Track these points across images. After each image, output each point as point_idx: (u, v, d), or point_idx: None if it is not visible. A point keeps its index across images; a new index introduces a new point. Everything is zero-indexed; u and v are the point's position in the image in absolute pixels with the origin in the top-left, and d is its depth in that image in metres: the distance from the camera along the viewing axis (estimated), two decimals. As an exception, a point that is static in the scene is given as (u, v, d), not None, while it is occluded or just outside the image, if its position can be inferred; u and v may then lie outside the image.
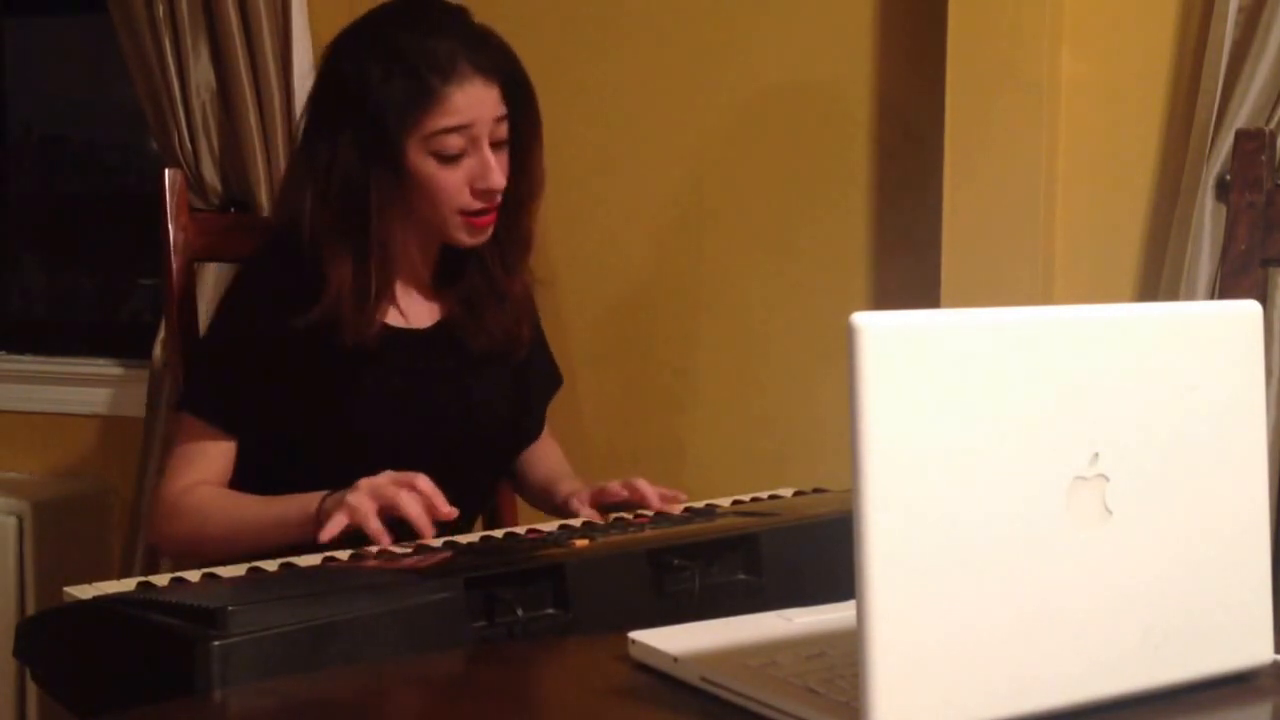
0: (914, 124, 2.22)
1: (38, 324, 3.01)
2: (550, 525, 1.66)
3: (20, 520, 2.61)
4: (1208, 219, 1.99)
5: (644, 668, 1.09)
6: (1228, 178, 1.90)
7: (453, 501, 1.61)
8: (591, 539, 1.44)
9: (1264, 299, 1.89)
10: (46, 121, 3.05)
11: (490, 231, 1.84)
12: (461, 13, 1.84)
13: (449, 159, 1.77)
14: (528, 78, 1.85)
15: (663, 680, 1.07)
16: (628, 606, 1.33)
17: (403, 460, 1.78)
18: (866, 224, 2.28)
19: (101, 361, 2.77)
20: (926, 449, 0.89)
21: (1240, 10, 1.99)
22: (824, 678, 0.99)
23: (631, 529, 1.54)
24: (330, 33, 1.92)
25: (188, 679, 1.10)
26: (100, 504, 2.73)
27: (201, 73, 2.41)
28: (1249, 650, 1.04)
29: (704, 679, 1.03)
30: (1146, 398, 0.98)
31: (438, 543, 1.54)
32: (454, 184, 1.78)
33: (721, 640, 1.09)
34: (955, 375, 0.91)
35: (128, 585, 1.36)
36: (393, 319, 1.86)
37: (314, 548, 1.55)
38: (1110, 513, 0.97)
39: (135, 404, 2.58)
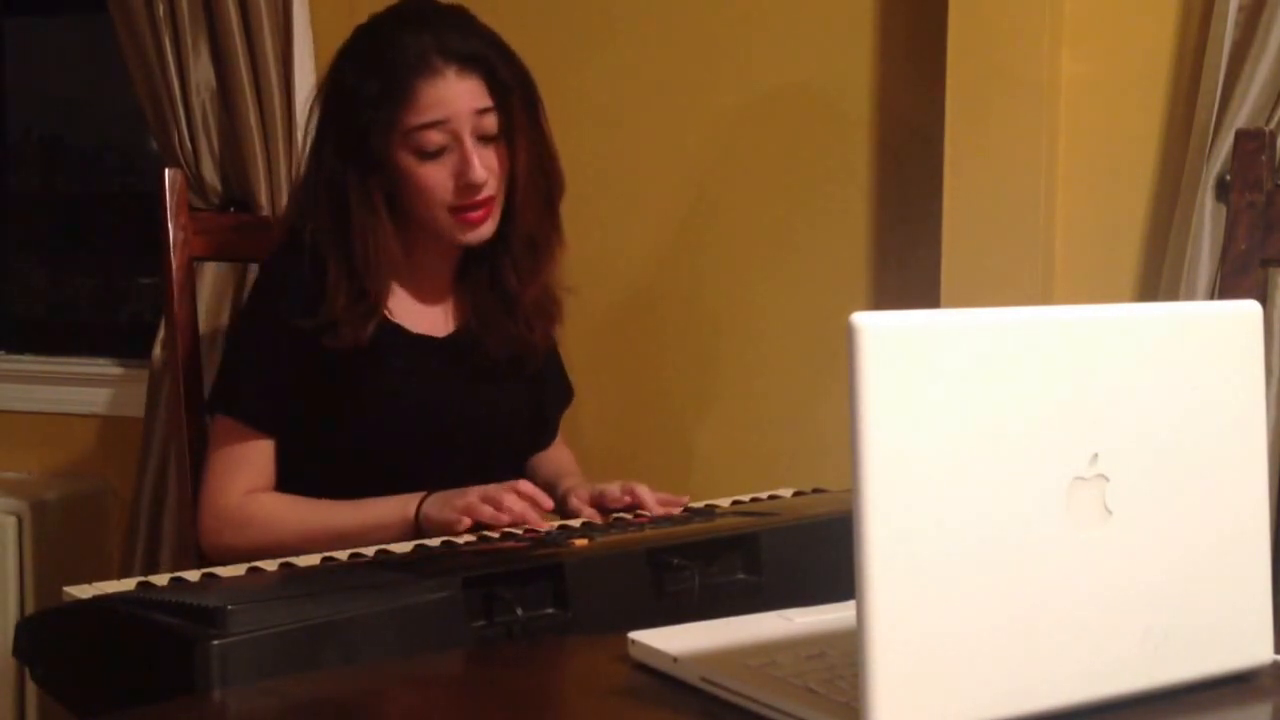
0: (914, 124, 2.22)
1: (38, 324, 3.01)
2: (550, 525, 1.66)
3: (20, 520, 2.61)
4: (1208, 219, 1.99)
5: (644, 668, 1.09)
6: (1228, 178, 1.90)
7: None
8: (591, 539, 1.45)
9: (1264, 299, 1.89)
10: (46, 122, 3.05)
11: (488, 229, 1.82)
12: (448, 10, 1.83)
13: (430, 155, 1.76)
14: (521, 70, 1.82)
15: (663, 680, 1.07)
16: (627, 606, 1.33)
17: (419, 464, 1.79)
18: (866, 224, 2.28)
19: (101, 361, 2.77)
20: (926, 449, 0.89)
21: (1240, 10, 1.99)
22: (824, 678, 0.99)
23: (631, 529, 1.54)
24: (330, 32, 1.92)
25: (187, 679, 1.10)
26: (100, 504, 2.73)
27: (201, 72, 2.41)
28: (1249, 650, 1.04)
29: (704, 679, 1.03)
30: (1146, 398, 0.98)
31: (436, 542, 1.54)
32: (438, 180, 1.77)
33: (721, 640, 1.09)
34: (955, 375, 0.91)
35: (127, 585, 1.36)
36: (413, 324, 1.86)
37: None
38: (1110, 513, 0.97)
39: (135, 404, 2.58)
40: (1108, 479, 0.96)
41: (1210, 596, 1.02)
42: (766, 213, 2.34)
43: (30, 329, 2.94)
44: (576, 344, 2.32)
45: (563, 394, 2.08)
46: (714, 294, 2.37)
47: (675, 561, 1.37)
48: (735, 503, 1.73)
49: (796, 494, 1.81)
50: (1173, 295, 2.01)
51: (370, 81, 1.76)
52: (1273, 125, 1.96)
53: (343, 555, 1.49)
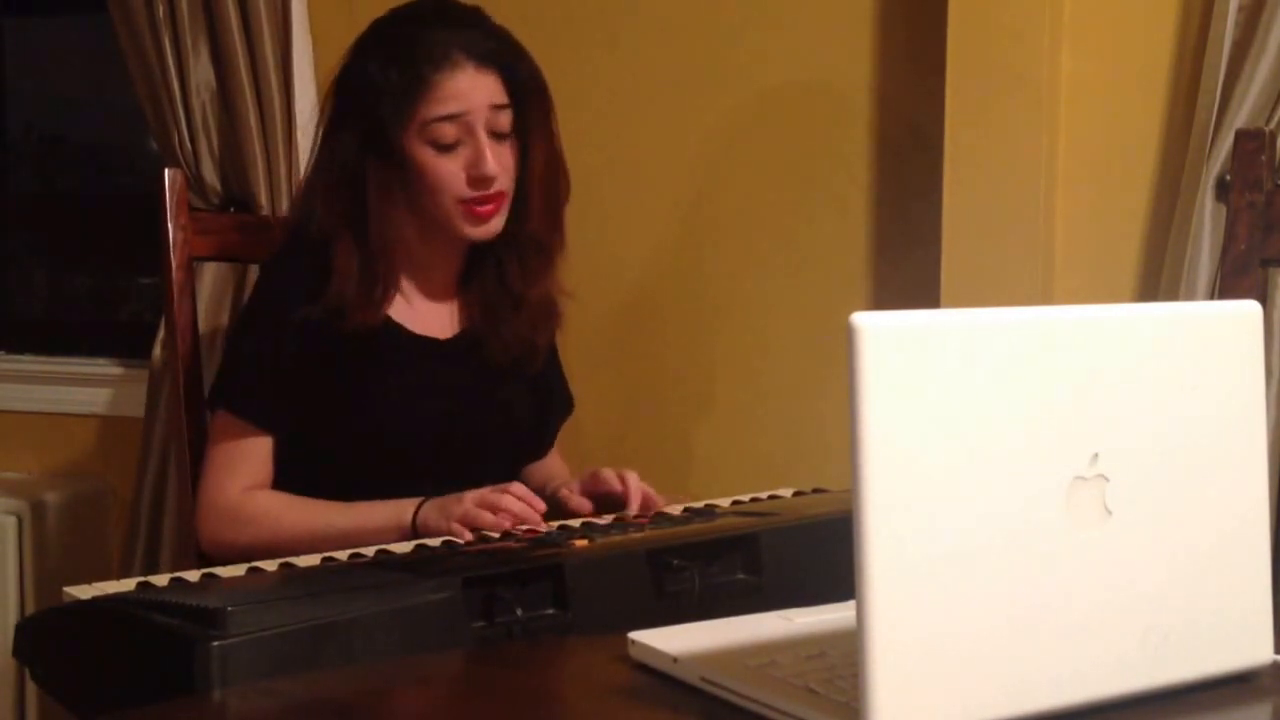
0: (914, 124, 2.22)
1: (38, 324, 3.01)
2: (549, 525, 1.66)
3: (20, 520, 2.61)
4: (1208, 219, 1.99)
5: (644, 668, 1.09)
6: (1228, 178, 1.90)
7: None
8: (591, 539, 1.45)
9: (1264, 299, 1.89)
10: (46, 121, 3.05)
11: (496, 224, 1.82)
12: (466, 8, 1.85)
13: (445, 148, 1.78)
14: (536, 72, 1.85)
15: (663, 680, 1.07)
16: (627, 606, 1.33)
17: (418, 466, 1.79)
18: (866, 224, 2.28)
19: (101, 361, 2.77)
20: (926, 449, 0.89)
21: (1240, 10, 1.99)
22: (824, 678, 0.99)
23: (631, 529, 1.54)
24: (330, 32, 1.93)
25: (187, 679, 1.10)
26: (100, 504, 2.73)
27: (201, 72, 2.41)
28: (1249, 650, 1.04)
29: (704, 679, 1.03)
30: (1146, 398, 0.98)
31: (436, 542, 1.54)
32: (450, 173, 1.78)
33: (721, 640, 1.09)
34: (955, 375, 0.91)
35: (127, 585, 1.36)
36: (416, 326, 1.86)
37: None
38: (1110, 513, 0.97)
39: (135, 404, 2.58)
40: (1108, 479, 0.96)
41: (1210, 596, 1.02)
42: (766, 212, 2.34)
43: (30, 329, 2.94)
44: (577, 344, 2.32)
45: (563, 405, 2.08)
46: (714, 294, 2.37)
47: (675, 562, 1.37)
48: (735, 503, 1.73)
49: (796, 494, 1.81)
50: (1173, 295, 2.01)
51: (390, 72, 1.78)
52: (1273, 125, 1.96)
53: (343, 555, 1.49)
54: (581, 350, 2.36)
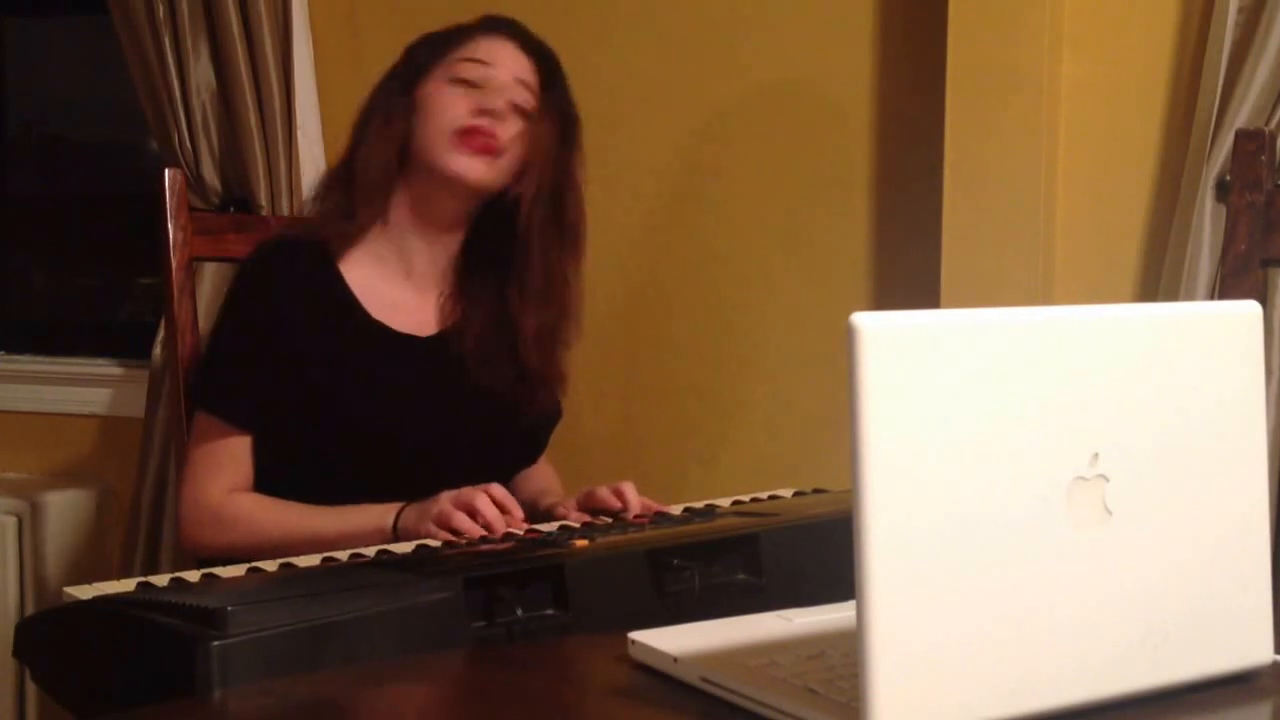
0: (914, 124, 2.22)
1: (38, 324, 3.01)
2: (550, 526, 1.66)
3: (20, 520, 2.61)
4: (1208, 219, 1.99)
5: (644, 668, 1.09)
6: (1228, 178, 1.90)
7: None
8: (591, 539, 1.44)
9: (1264, 299, 1.89)
10: (46, 121, 3.05)
11: (481, 167, 1.82)
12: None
13: (461, 82, 1.84)
14: (570, 97, 1.93)
15: (663, 680, 1.07)
16: (628, 607, 1.33)
17: (399, 466, 1.78)
18: (866, 224, 2.28)
19: (101, 361, 2.77)
20: (926, 449, 0.89)
21: (1240, 10, 1.99)
22: (824, 678, 0.99)
23: (631, 529, 1.54)
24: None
25: (188, 679, 1.10)
26: (100, 504, 2.73)
27: (201, 72, 2.42)
28: (1249, 650, 1.04)
29: (704, 679, 1.03)
30: (1146, 398, 0.98)
31: (436, 542, 1.54)
32: (456, 100, 1.83)
33: (721, 640, 1.09)
34: (955, 375, 0.91)
35: (127, 585, 1.36)
36: (397, 323, 1.86)
37: None
38: (1110, 513, 0.97)
39: (135, 404, 2.58)
40: (1108, 479, 0.96)
41: (1210, 596, 1.02)
42: (766, 212, 2.34)
43: (30, 329, 2.94)
44: (576, 346, 2.32)
45: (554, 412, 2.07)
46: (714, 294, 2.37)
47: (675, 562, 1.37)
48: (735, 503, 1.73)
49: (796, 494, 1.81)
50: (1173, 295, 2.01)
51: (437, 35, 1.89)
52: (1273, 125, 1.96)
53: (343, 555, 1.49)
54: (582, 352, 2.36)
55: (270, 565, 1.45)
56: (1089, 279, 2.15)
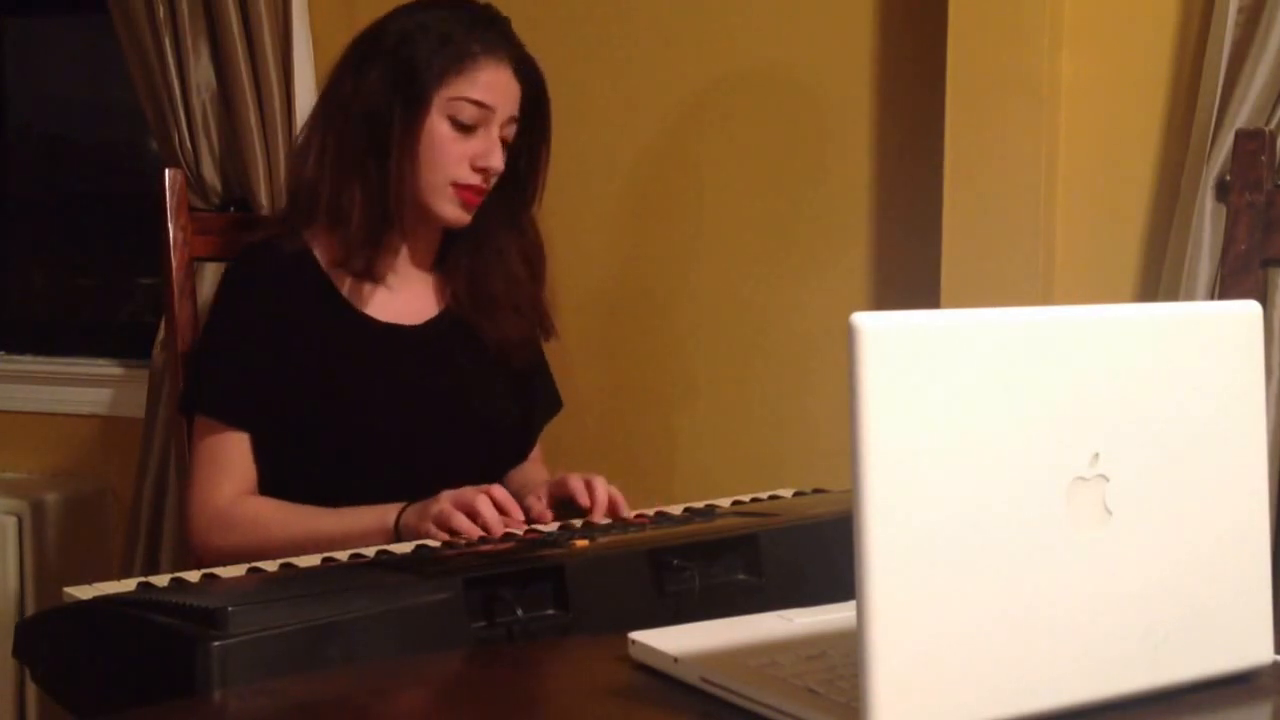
0: (914, 124, 2.22)
1: (38, 324, 3.00)
2: (550, 526, 1.66)
3: (20, 520, 2.61)
4: (1208, 219, 1.99)
5: (644, 668, 1.09)
6: (1228, 178, 1.90)
7: None
8: (591, 539, 1.45)
9: (1264, 299, 1.89)
10: (46, 121, 3.04)
11: (471, 214, 1.87)
12: (508, 21, 1.93)
13: (462, 127, 1.84)
14: (548, 94, 1.95)
15: (663, 680, 1.07)
16: (628, 607, 1.33)
17: (393, 461, 1.79)
18: (866, 224, 2.28)
19: (101, 362, 2.77)
20: (926, 449, 0.89)
21: (1240, 10, 1.99)
22: (824, 678, 0.99)
23: (631, 529, 1.54)
24: (331, 33, 1.93)
25: (188, 679, 1.10)
26: (100, 504, 2.73)
27: (202, 72, 2.41)
28: (1249, 650, 1.04)
29: (704, 679, 1.03)
30: (1146, 398, 0.99)
31: (436, 543, 1.54)
32: (457, 154, 1.84)
33: (721, 640, 1.09)
34: (955, 375, 0.91)
35: (128, 585, 1.36)
36: (385, 314, 1.86)
37: None
38: (1110, 513, 0.97)
39: (135, 404, 2.58)
40: (1108, 479, 0.96)
41: (1210, 596, 1.02)
42: (767, 212, 2.34)
43: (30, 329, 2.94)
44: (575, 344, 2.32)
45: (552, 403, 2.08)
46: (714, 294, 2.37)
47: (676, 562, 1.37)
48: (735, 503, 1.73)
49: (797, 494, 1.81)
50: (1173, 295, 2.01)
51: (438, 35, 1.83)
52: (1273, 125, 1.96)
53: (343, 556, 1.49)
54: (580, 351, 2.36)
55: (270, 565, 1.45)
56: (1089, 279, 2.15)
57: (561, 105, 2.01)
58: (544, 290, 2.00)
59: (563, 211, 2.05)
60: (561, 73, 2.13)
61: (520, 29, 1.92)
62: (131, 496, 2.53)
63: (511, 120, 1.88)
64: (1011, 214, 2.11)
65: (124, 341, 2.77)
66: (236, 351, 1.82)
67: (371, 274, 1.85)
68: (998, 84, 2.09)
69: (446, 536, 1.60)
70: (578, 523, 1.67)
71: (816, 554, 1.40)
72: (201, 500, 1.80)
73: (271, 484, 1.81)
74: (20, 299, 3.06)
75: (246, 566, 1.45)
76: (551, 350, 2.10)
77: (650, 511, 1.70)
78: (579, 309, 2.39)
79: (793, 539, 1.47)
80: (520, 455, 2.01)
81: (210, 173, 2.43)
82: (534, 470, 2.03)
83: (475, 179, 1.85)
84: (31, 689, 2.55)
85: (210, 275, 2.38)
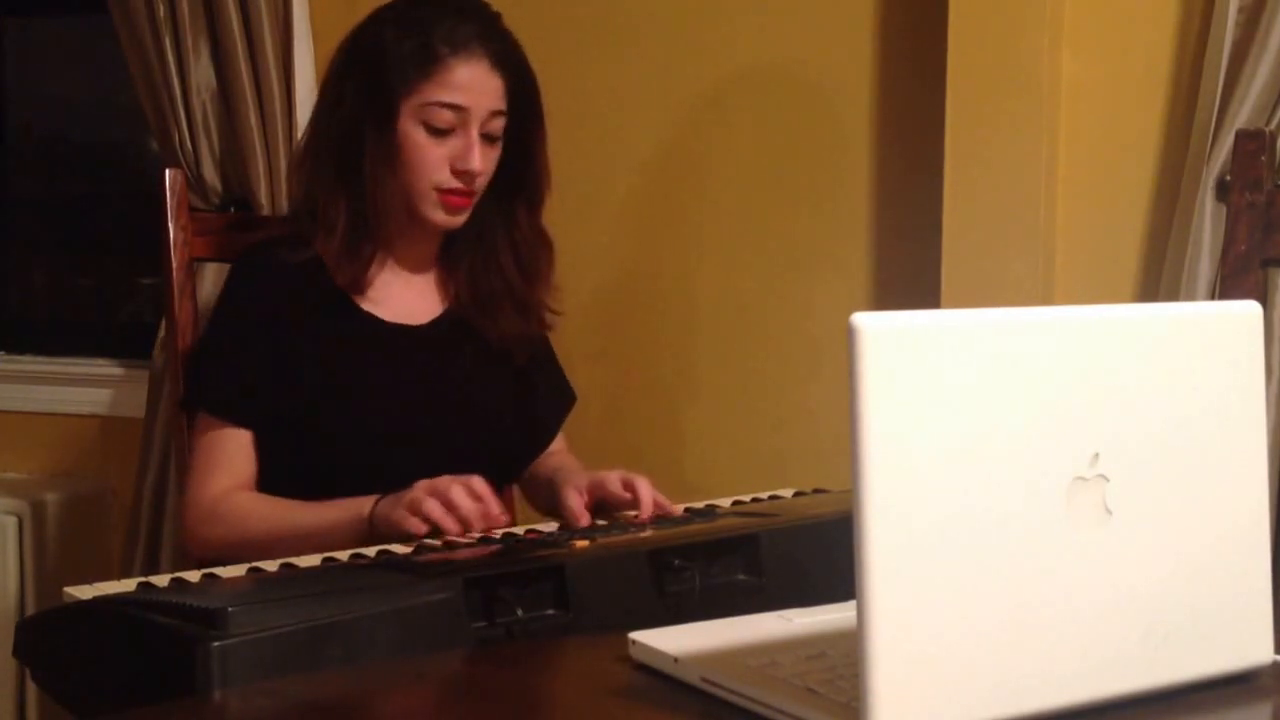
0: (914, 124, 2.22)
1: (38, 324, 3.01)
2: (550, 526, 1.66)
3: (20, 520, 2.61)
4: (1208, 219, 1.99)
5: (644, 668, 1.09)
6: (1228, 178, 1.90)
7: None
8: (592, 539, 1.45)
9: (1264, 299, 1.89)
10: (46, 121, 3.05)
11: (462, 218, 1.85)
12: (488, 8, 1.88)
13: (437, 132, 1.80)
14: (536, 84, 1.89)
15: (663, 680, 1.07)
16: (628, 607, 1.33)
17: (400, 460, 1.78)
18: (866, 224, 2.28)
19: (101, 362, 2.77)
20: (926, 449, 0.89)
21: (1240, 10, 1.99)
22: (824, 678, 0.99)
23: (632, 529, 1.54)
24: (331, 33, 1.93)
25: (188, 679, 1.10)
26: (100, 504, 2.73)
27: (202, 73, 2.41)
28: (1249, 650, 1.04)
29: (704, 679, 1.03)
30: (1146, 398, 0.99)
31: (437, 542, 1.54)
32: (436, 158, 1.81)
33: (722, 640, 1.09)
34: (955, 375, 0.91)
35: (128, 585, 1.36)
36: (390, 314, 1.86)
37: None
38: (1110, 513, 0.97)
39: (135, 404, 2.58)
40: (1108, 479, 0.96)
41: (1210, 596, 1.02)
42: (767, 212, 2.34)
43: (31, 329, 2.94)
44: (575, 343, 2.32)
45: (563, 397, 2.07)
46: (714, 294, 2.37)
47: (676, 562, 1.37)
48: (736, 503, 1.73)
49: (797, 494, 1.81)
50: (1173, 295, 2.01)
51: (406, 41, 1.80)
52: (1273, 126, 1.96)
53: (343, 556, 1.49)
54: (581, 351, 2.36)
55: (271, 565, 1.45)
56: (1089, 279, 2.15)
57: (562, 105, 2.01)
58: (545, 287, 1.96)
59: (564, 211, 2.05)
60: (562, 73, 2.13)
61: (521, 29, 1.90)
62: (131, 496, 2.53)
63: (494, 115, 1.83)
64: (1011, 214, 2.11)
65: (124, 341, 2.77)
66: (239, 350, 1.82)
67: (358, 286, 1.84)
68: (998, 84, 2.10)
69: (419, 524, 1.58)
70: (581, 521, 1.67)
71: (817, 554, 1.40)
72: (193, 495, 1.81)
73: (274, 482, 1.81)
74: (20, 299, 3.06)
75: (247, 567, 1.45)
76: (554, 347, 2.09)
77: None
78: (580, 308, 2.39)
79: (793, 539, 1.47)
80: (526, 453, 2.01)
81: (210, 173, 2.43)
82: (565, 459, 2.01)
83: (456, 182, 1.82)
84: (31, 689, 2.55)
85: (210, 275, 2.38)
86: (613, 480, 1.74)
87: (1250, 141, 1.78)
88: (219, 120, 2.43)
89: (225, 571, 1.42)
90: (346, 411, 1.81)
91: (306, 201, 1.88)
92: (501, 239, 1.92)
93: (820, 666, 1.02)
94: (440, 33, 1.80)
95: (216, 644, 1.10)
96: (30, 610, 2.59)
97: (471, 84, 1.80)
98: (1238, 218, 1.77)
